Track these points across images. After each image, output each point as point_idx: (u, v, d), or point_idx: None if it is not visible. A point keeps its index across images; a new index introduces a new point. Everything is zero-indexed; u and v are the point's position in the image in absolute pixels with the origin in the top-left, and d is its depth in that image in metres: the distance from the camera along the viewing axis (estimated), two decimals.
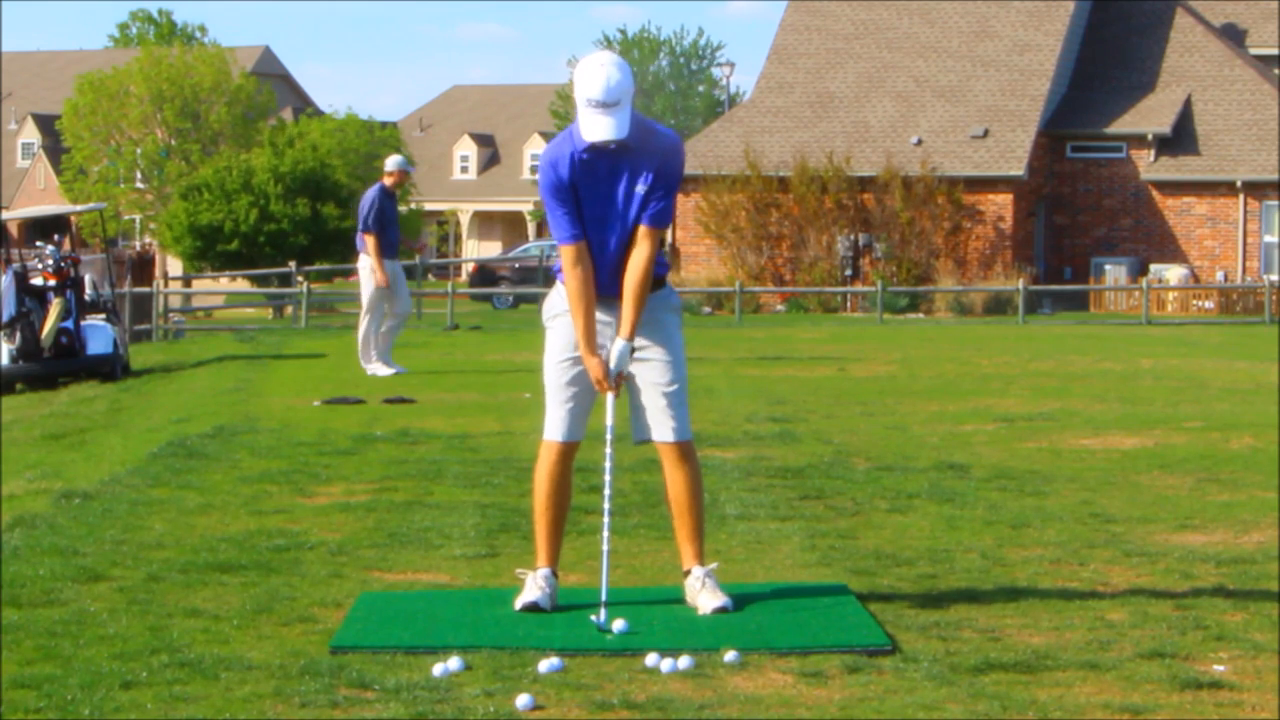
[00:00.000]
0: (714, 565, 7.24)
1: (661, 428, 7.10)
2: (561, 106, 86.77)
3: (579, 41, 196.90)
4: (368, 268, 19.02)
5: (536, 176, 7.29)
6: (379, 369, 19.08)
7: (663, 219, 7.03)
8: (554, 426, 7.15)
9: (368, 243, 18.93)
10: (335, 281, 62.06)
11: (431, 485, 10.53)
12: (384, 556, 8.28)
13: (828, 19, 50.82)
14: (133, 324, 31.77)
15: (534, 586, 7.08)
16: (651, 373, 7.10)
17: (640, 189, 6.99)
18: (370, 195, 19.06)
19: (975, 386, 18.09)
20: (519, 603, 7.03)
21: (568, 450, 7.16)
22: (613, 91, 6.81)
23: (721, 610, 6.96)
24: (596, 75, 6.83)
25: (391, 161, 19.40)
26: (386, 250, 19.02)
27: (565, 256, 7.03)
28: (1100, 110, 48.84)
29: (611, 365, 7.01)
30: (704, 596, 7.05)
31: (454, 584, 7.70)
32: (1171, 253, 47.90)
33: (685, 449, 7.13)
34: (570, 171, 6.98)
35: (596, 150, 6.96)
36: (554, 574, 7.16)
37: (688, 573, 7.18)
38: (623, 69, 6.89)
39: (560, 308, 7.16)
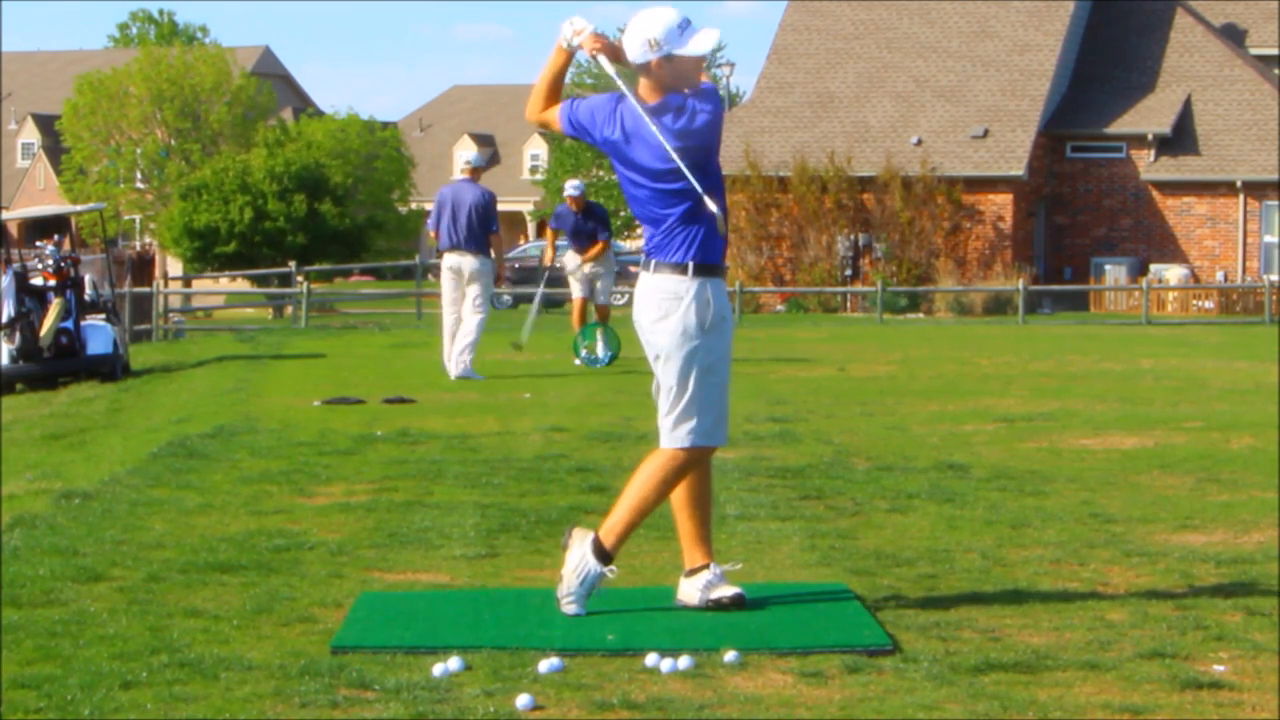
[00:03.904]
0: (723, 567, 7.23)
1: (665, 431, 7.09)
2: None
3: None
4: (489, 269, 18.73)
5: (565, 133, 7.35)
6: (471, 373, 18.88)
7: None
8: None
9: (493, 243, 18.73)
10: (335, 281, 62.08)
11: (431, 485, 10.52)
12: (384, 556, 8.27)
13: (828, 19, 50.81)
14: (133, 324, 31.76)
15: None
16: (666, 377, 7.09)
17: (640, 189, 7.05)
18: (487, 197, 18.82)
19: (975, 386, 18.08)
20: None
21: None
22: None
23: (737, 598, 6.95)
24: (658, 14, 7.04)
25: (473, 157, 19.50)
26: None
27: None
28: (1100, 110, 48.83)
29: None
30: (719, 590, 7.04)
31: (454, 584, 7.70)
32: (1171, 253, 47.90)
33: (679, 454, 7.06)
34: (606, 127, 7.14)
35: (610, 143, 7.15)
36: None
37: (688, 572, 7.15)
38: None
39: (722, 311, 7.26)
